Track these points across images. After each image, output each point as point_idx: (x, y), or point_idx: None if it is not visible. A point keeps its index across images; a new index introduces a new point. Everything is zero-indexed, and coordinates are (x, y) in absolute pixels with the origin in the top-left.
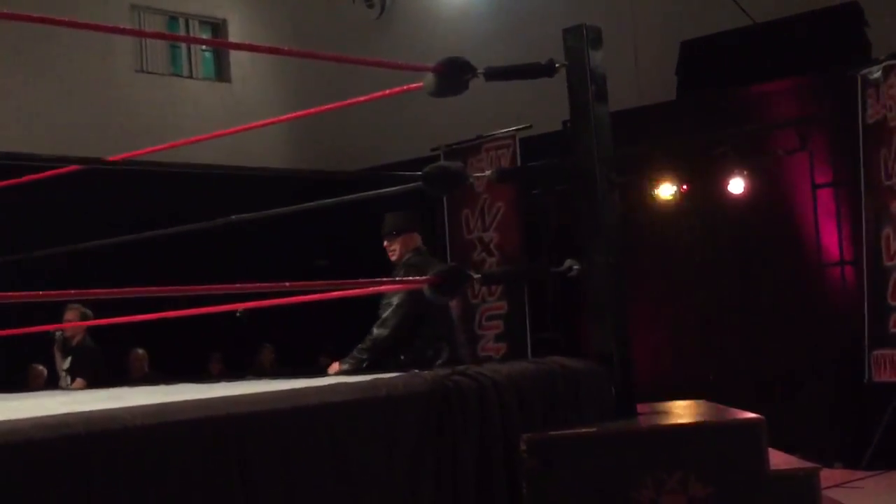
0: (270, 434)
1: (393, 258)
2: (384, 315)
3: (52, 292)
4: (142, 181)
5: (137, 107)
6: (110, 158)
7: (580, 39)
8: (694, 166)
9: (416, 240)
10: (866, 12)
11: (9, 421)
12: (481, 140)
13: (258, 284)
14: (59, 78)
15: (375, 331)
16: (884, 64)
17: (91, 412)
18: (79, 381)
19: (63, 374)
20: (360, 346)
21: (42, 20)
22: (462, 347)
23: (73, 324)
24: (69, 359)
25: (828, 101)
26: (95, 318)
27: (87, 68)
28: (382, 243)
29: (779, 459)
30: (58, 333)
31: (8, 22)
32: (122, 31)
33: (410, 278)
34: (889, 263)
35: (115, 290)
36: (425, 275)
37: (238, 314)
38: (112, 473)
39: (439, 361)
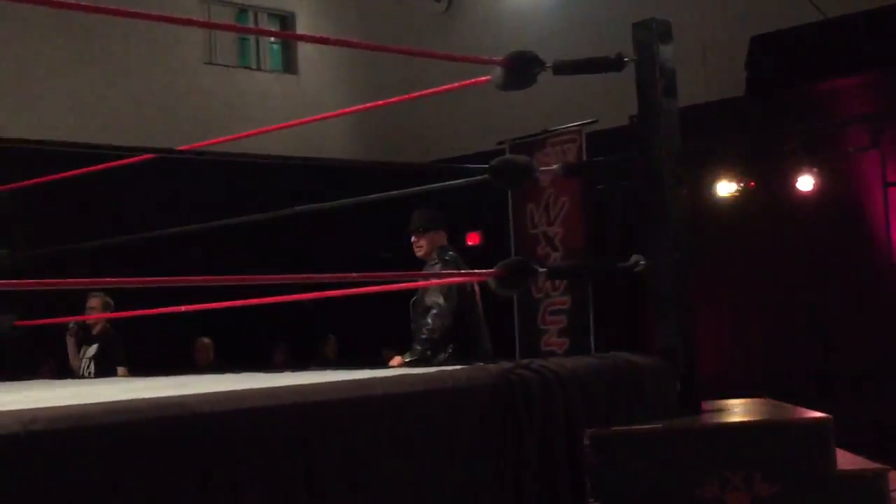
0: (335, 424)
1: (419, 254)
2: (436, 307)
3: (122, 279)
4: (208, 172)
5: (205, 98)
6: (181, 147)
7: (649, 33)
8: (762, 163)
9: (443, 238)
10: None
11: (79, 406)
12: (547, 134)
13: (324, 275)
14: (128, 70)
15: (432, 322)
16: None
17: (160, 398)
18: (121, 369)
19: (86, 361)
20: (421, 337)
21: (114, 12)
22: (488, 342)
23: (106, 314)
24: (94, 346)
25: None
26: (163, 306)
27: (156, 60)
28: (410, 239)
29: (847, 459)
30: (72, 323)
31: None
32: (192, 23)
33: (476, 271)
34: None
35: (182, 278)
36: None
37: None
38: (180, 460)
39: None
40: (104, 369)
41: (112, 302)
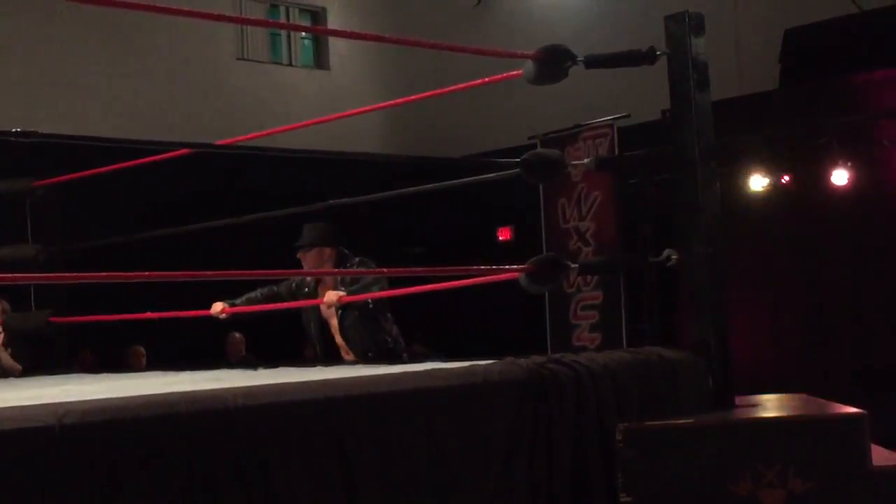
0: (367, 418)
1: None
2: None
3: (161, 273)
4: (241, 166)
5: (237, 93)
6: (217, 143)
7: (682, 26)
8: (796, 156)
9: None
10: None
11: (119, 398)
12: (579, 129)
13: (356, 270)
14: (161, 65)
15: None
16: None
17: (195, 392)
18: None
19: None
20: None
21: (147, 8)
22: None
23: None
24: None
25: None
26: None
27: (188, 55)
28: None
29: (882, 456)
30: None
31: (113, 10)
32: (224, 19)
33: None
34: None
35: (217, 272)
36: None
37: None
38: (213, 453)
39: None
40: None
41: (9, 307)
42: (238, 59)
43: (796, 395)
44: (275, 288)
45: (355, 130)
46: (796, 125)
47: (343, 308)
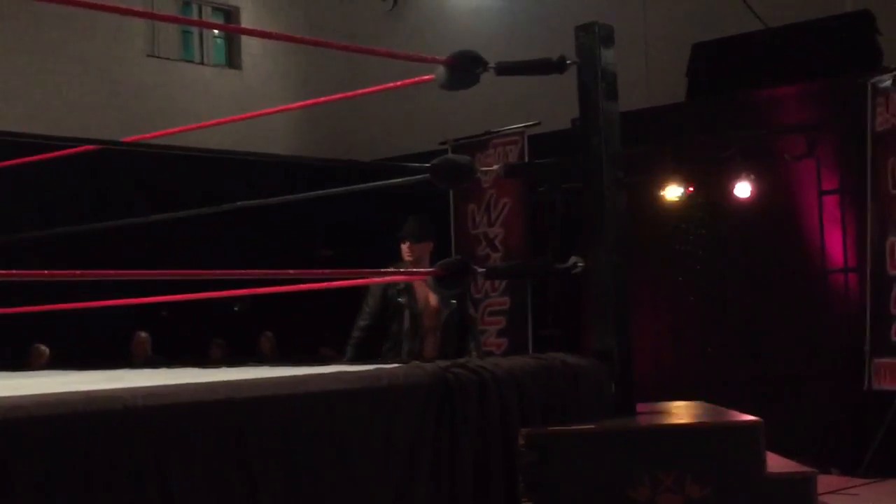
0: (270, 419)
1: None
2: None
3: (57, 272)
4: (149, 165)
5: (147, 91)
6: (124, 140)
7: (592, 37)
8: (701, 169)
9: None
10: (878, 20)
11: (11, 398)
12: (490, 135)
13: (261, 271)
14: (70, 59)
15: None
16: (894, 73)
17: (91, 391)
18: None
19: None
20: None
21: (57, 0)
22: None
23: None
24: None
25: (837, 108)
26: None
27: (98, 51)
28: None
29: (776, 463)
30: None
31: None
32: (134, 14)
33: (416, 269)
34: (893, 272)
35: (119, 271)
36: None
37: (236, 308)
38: (112, 453)
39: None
40: None
41: None
42: (148, 55)
43: (695, 403)
44: (369, 321)
45: (267, 131)
46: (702, 137)
47: (448, 307)
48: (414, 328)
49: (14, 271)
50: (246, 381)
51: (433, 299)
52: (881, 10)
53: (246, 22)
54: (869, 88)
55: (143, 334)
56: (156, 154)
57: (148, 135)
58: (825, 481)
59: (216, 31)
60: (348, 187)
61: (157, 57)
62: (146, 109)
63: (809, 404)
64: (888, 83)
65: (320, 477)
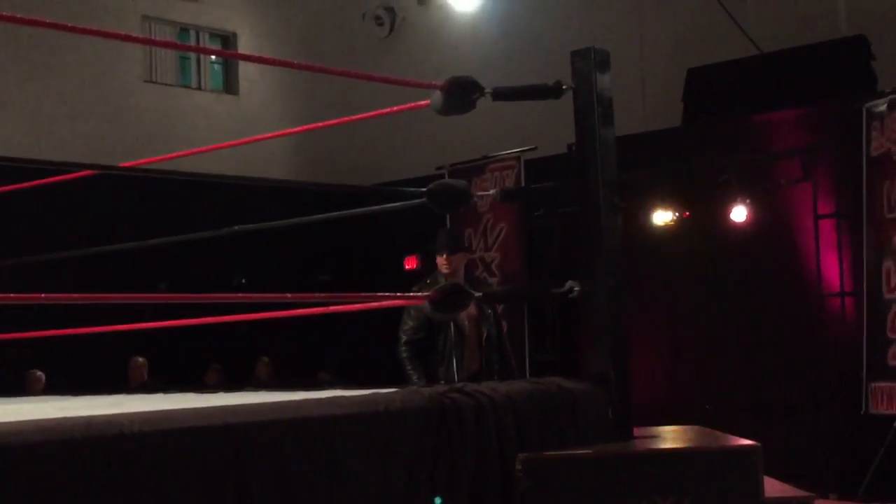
0: (267, 444)
1: (445, 272)
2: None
3: (54, 295)
4: (148, 190)
5: (145, 116)
6: (122, 164)
7: (588, 62)
8: (697, 193)
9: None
10: (873, 45)
11: (10, 423)
12: (486, 160)
13: (259, 295)
14: (68, 85)
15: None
16: (889, 97)
17: (90, 417)
18: None
19: None
20: None
21: (54, 26)
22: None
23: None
24: None
25: (832, 133)
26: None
27: (96, 77)
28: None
29: (774, 487)
30: None
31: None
32: (133, 40)
33: (413, 294)
34: (889, 296)
35: (117, 295)
36: None
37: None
38: (109, 479)
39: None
40: None
41: None
42: (146, 81)
43: (693, 427)
44: (413, 335)
45: (264, 156)
46: (698, 162)
47: (489, 322)
48: (460, 341)
49: (12, 294)
50: (243, 406)
51: (473, 312)
52: (876, 35)
53: (243, 48)
54: (864, 113)
55: (140, 359)
56: (154, 179)
57: (146, 160)
58: None
59: (214, 57)
60: (345, 211)
61: (155, 82)
62: (144, 134)
63: (807, 428)
64: (883, 107)
65: (317, 502)
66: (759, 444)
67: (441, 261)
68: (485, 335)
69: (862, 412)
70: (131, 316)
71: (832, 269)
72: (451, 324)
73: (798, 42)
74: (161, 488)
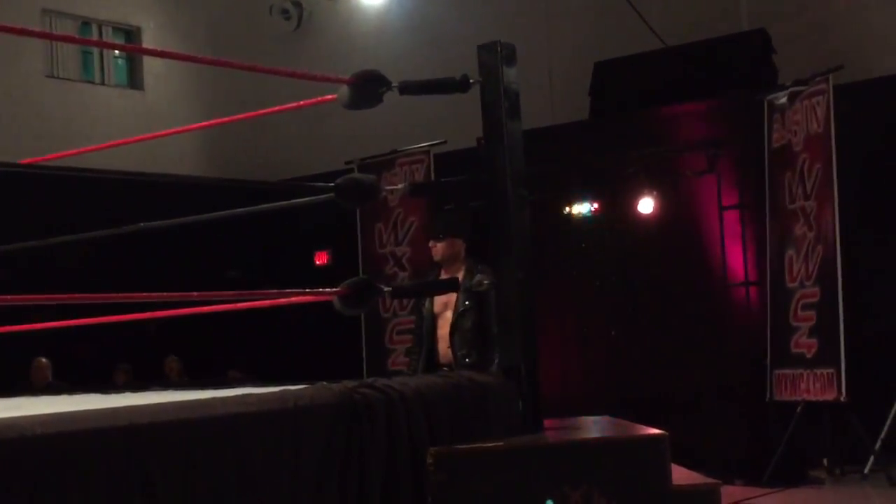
0: (174, 444)
1: (436, 258)
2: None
3: None
4: (50, 187)
5: (47, 112)
6: (22, 161)
7: (494, 56)
8: (605, 186)
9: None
10: (773, 39)
11: None
12: (396, 154)
13: (167, 293)
14: None
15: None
16: (789, 90)
17: None
18: None
19: None
20: None
21: None
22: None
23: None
24: None
25: (735, 125)
26: None
27: None
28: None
29: (681, 475)
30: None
31: None
32: (32, 34)
33: (321, 290)
34: (792, 285)
35: (19, 296)
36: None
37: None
38: (8, 483)
39: None
40: None
41: None
42: (48, 76)
43: (602, 418)
44: (421, 324)
45: (172, 153)
46: (606, 155)
47: (463, 309)
48: (429, 330)
49: None
50: (148, 406)
51: (452, 304)
52: (776, 29)
53: (148, 42)
54: (765, 106)
55: (44, 360)
56: (55, 176)
57: (47, 156)
58: (729, 492)
59: (117, 52)
60: (253, 207)
61: (57, 77)
62: (46, 131)
63: (713, 416)
64: (784, 100)
65: (226, 501)
66: (666, 433)
67: (431, 248)
68: (452, 327)
69: (767, 399)
70: (32, 316)
71: (737, 259)
72: (427, 315)
73: (701, 36)
74: (63, 492)
